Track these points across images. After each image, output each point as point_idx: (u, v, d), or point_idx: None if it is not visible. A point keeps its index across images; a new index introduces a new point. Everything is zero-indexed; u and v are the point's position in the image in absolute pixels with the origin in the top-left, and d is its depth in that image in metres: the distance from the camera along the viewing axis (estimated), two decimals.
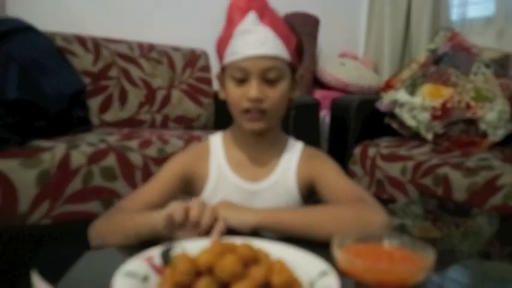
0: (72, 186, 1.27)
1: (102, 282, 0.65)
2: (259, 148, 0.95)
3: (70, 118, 1.54)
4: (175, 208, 0.69)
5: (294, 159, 0.96)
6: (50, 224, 1.26)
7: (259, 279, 0.48)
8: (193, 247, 0.57)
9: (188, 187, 0.96)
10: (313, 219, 0.78)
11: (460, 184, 1.44)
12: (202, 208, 0.70)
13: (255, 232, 0.74)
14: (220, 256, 0.49)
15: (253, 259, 0.51)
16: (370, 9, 2.95)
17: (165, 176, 0.92)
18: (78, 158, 1.28)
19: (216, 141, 0.99)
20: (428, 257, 0.51)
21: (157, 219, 0.71)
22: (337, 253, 0.52)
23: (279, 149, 0.97)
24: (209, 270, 0.48)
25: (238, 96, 0.87)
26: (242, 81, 0.86)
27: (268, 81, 0.86)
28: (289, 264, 0.52)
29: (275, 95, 0.86)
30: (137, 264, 0.54)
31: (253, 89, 0.84)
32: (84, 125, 1.60)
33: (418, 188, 1.57)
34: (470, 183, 1.41)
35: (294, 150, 0.98)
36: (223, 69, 0.91)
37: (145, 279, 0.52)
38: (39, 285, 0.61)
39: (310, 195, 0.97)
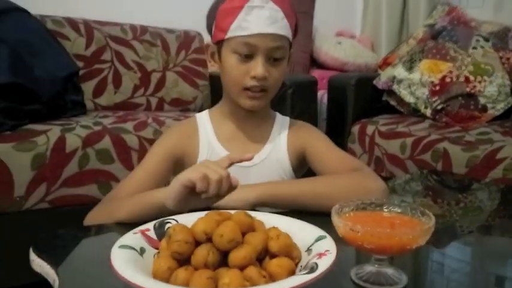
0: (68, 169, 1.25)
1: (101, 258, 0.64)
2: (250, 123, 0.95)
3: (64, 102, 1.51)
4: (196, 176, 0.63)
5: (284, 132, 0.97)
6: (47, 208, 1.25)
7: (258, 245, 0.46)
8: (186, 221, 0.55)
9: (178, 167, 0.93)
10: (315, 190, 0.78)
11: (459, 159, 1.42)
12: (221, 176, 0.65)
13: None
14: (216, 224, 0.47)
15: (250, 226, 0.50)
16: None
17: (153, 161, 0.89)
18: (73, 140, 1.26)
19: (203, 118, 0.97)
20: (428, 221, 0.50)
21: (164, 196, 0.67)
22: (336, 219, 0.51)
23: (268, 124, 0.98)
24: (207, 239, 0.46)
25: (241, 73, 0.85)
26: (247, 57, 0.84)
27: (273, 60, 0.86)
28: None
29: (277, 74, 0.87)
30: (133, 237, 0.53)
31: (259, 67, 0.83)
32: (78, 109, 1.58)
33: (418, 164, 1.56)
34: (469, 158, 1.39)
35: (283, 124, 0.98)
36: (222, 40, 0.87)
37: (142, 251, 0.51)
38: (37, 263, 0.60)
39: (301, 167, 0.98)
